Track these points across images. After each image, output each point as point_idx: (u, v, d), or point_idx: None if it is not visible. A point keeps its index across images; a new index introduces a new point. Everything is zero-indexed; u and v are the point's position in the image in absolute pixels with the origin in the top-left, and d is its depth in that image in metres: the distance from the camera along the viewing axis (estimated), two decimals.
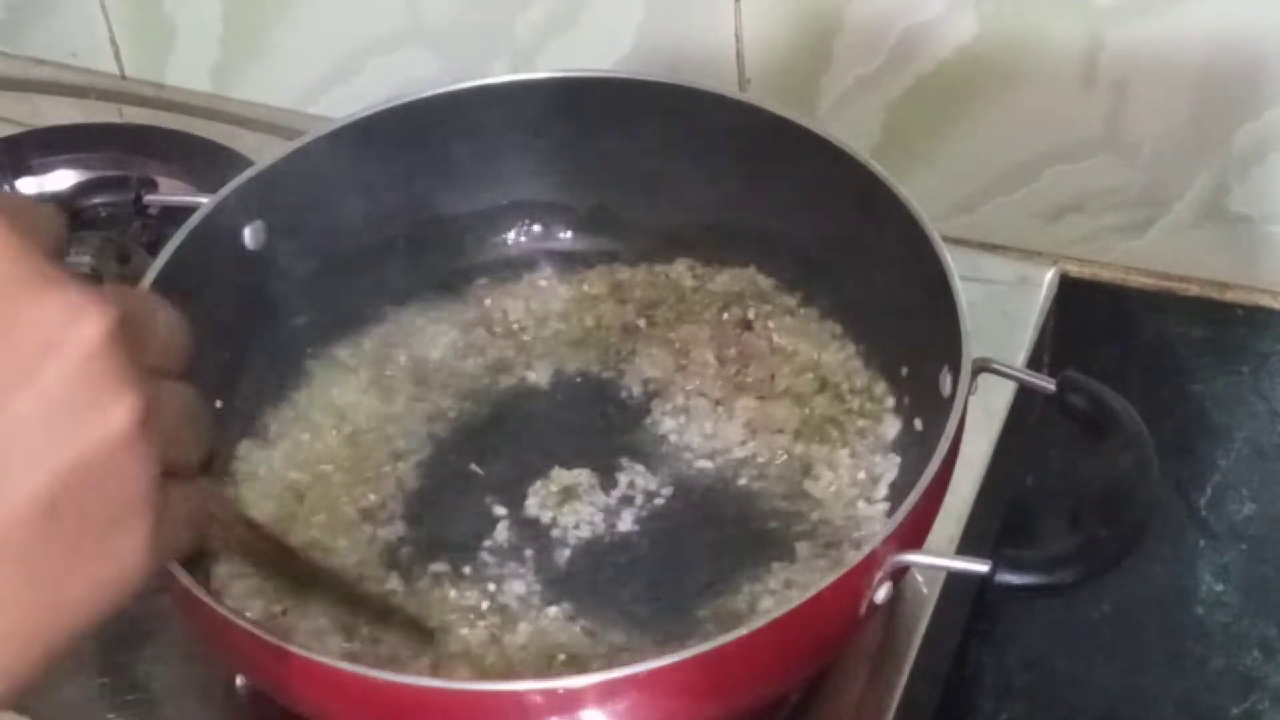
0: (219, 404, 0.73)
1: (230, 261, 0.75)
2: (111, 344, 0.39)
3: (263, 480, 0.73)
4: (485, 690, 0.59)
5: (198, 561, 0.67)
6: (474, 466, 0.73)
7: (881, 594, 0.60)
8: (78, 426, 0.39)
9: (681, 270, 0.81)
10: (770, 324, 0.78)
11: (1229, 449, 0.84)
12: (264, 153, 0.78)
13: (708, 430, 0.74)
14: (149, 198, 0.87)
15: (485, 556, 0.69)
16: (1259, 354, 0.87)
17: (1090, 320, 0.88)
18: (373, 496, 0.72)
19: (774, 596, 0.66)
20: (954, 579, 0.71)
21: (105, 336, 0.39)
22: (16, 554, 0.38)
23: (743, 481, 0.72)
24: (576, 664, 0.64)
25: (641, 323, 0.79)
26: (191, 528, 0.44)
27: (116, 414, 0.39)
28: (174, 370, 0.43)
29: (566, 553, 0.69)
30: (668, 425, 0.74)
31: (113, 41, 1.06)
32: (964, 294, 0.66)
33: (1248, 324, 0.87)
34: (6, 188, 0.93)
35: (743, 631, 0.56)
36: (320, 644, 0.65)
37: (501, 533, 0.70)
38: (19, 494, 0.38)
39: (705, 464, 0.72)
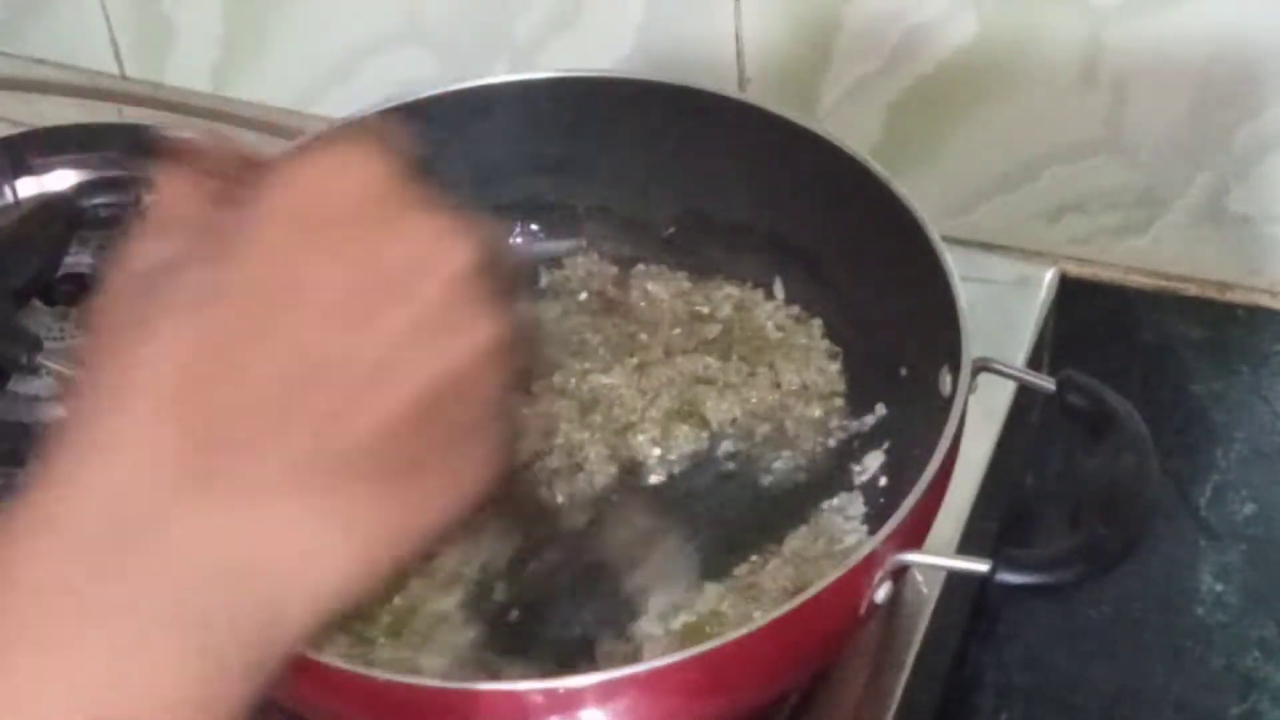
0: None
1: None
2: (478, 269, 0.42)
3: None
4: (485, 690, 0.58)
5: None
6: None
7: (881, 594, 0.60)
8: (448, 342, 0.41)
9: (680, 269, 0.81)
10: (768, 324, 0.78)
11: (1229, 449, 0.84)
12: (264, 153, 0.77)
13: (696, 431, 0.74)
14: (149, 198, 0.87)
15: None
16: (1259, 354, 0.87)
17: (1090, 320, 0.88)
18: None
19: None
20: (954, 579, 0.71)
21: (474, 261, 0.42)
22: (388, 465, 0.40)
23: (731, 481, 0.72)
24: None
25: (639, 329, 0.79)
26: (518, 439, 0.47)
27: (479, 334, 0.42)
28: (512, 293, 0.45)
29: None
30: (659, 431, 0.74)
31: (113, 41, 1.06)
32: (964, 294, 0.66)
33: (1248, 324, 0.87)
34: (6, 188, 0.92)
35: (744, 631, 0.56)
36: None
37: None
38: (393, 402, 0.40)
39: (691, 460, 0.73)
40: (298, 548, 0.40)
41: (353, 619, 0.66)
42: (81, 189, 0.90)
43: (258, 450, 0.39)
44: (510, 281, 0.45)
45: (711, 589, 0.67)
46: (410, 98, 0.78)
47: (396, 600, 0.67)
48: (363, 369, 0.40)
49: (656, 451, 0.73)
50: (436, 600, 0.67)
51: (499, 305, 0.43)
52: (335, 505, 0.40)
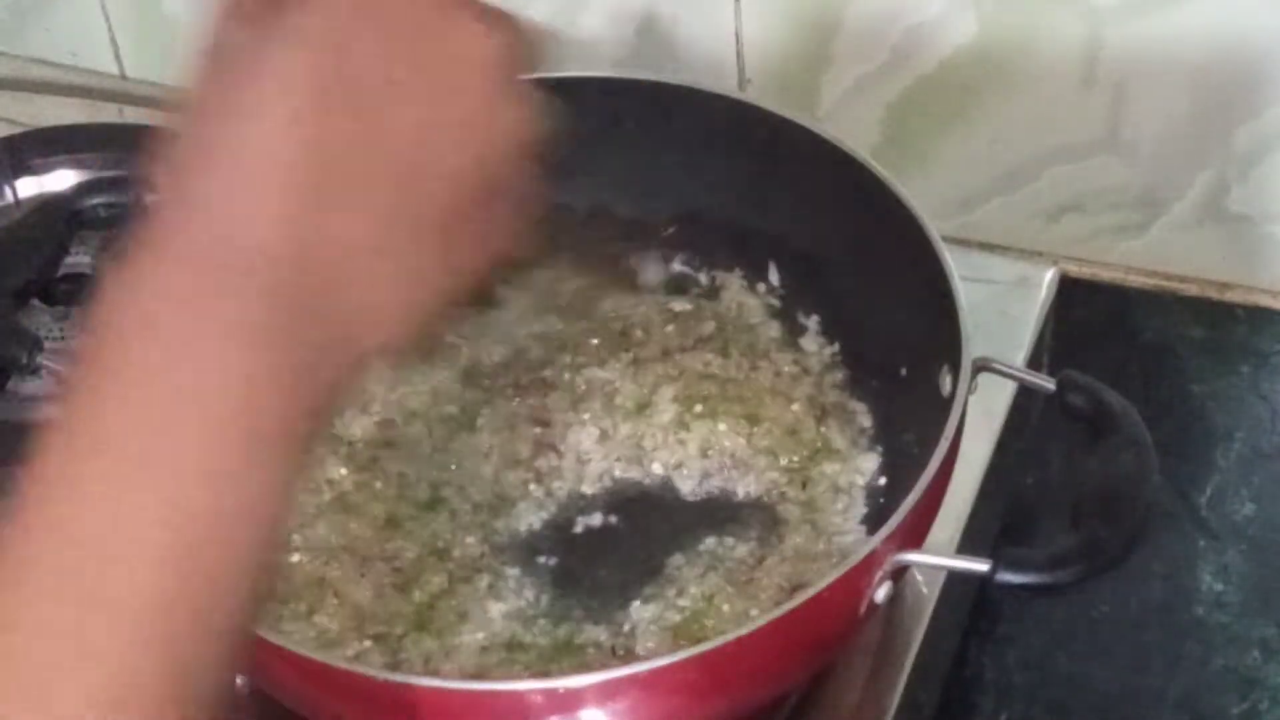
0: None
1: None
2: (517, 56, 0.46)
3: None
4: (485, 690, 0.59)
5: None
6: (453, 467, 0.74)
7: (881, 593, 0.60)
8: (497, 127, 0.45)
9: (679, 271, 0.81)
10: (767, 323, 0.78)
11: (1229, 449, 0.84)
12: None
13: (693, 425, 0.74)
14: (150, 198, 0.87)
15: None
16: (1259, 354, 0.87)
17: (1090, 320, 0.88)
18: (379, 485, 0.72)
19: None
20: (954, 578, 0.71)
21: (513, 49, 0.45)
22: (441, 224, 0.45)
23: (726, 483, 0.72)
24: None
25: (638, 329, 0.79)
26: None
27: (524, 118, 0.46)
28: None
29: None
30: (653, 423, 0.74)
31: (113, 41, 1.06)
32: (964, 294, 0.66)
33: (1248, 324, 0.87)
34: (6, 188, 0.92)
35: (744, 631, 0.56)
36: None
37: None
38: (454, 172, 0.45)
39: (684, 458, 0.73)
40: (372, 293, 0.43)
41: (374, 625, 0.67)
42: (81, 189, 0.90)
43: (358, 194, 0.43)
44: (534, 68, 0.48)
45: (711, 578, 0.67)
46: None
47: (416, 595, 0.67)
48: (430, 141, 0.44)
49: (660, 446, 0.73)
50: (460, 595, 0.68)
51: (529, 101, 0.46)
52: (405, 259, 0.44)
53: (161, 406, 0.40)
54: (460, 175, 0.45)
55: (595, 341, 0.78)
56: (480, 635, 0.66)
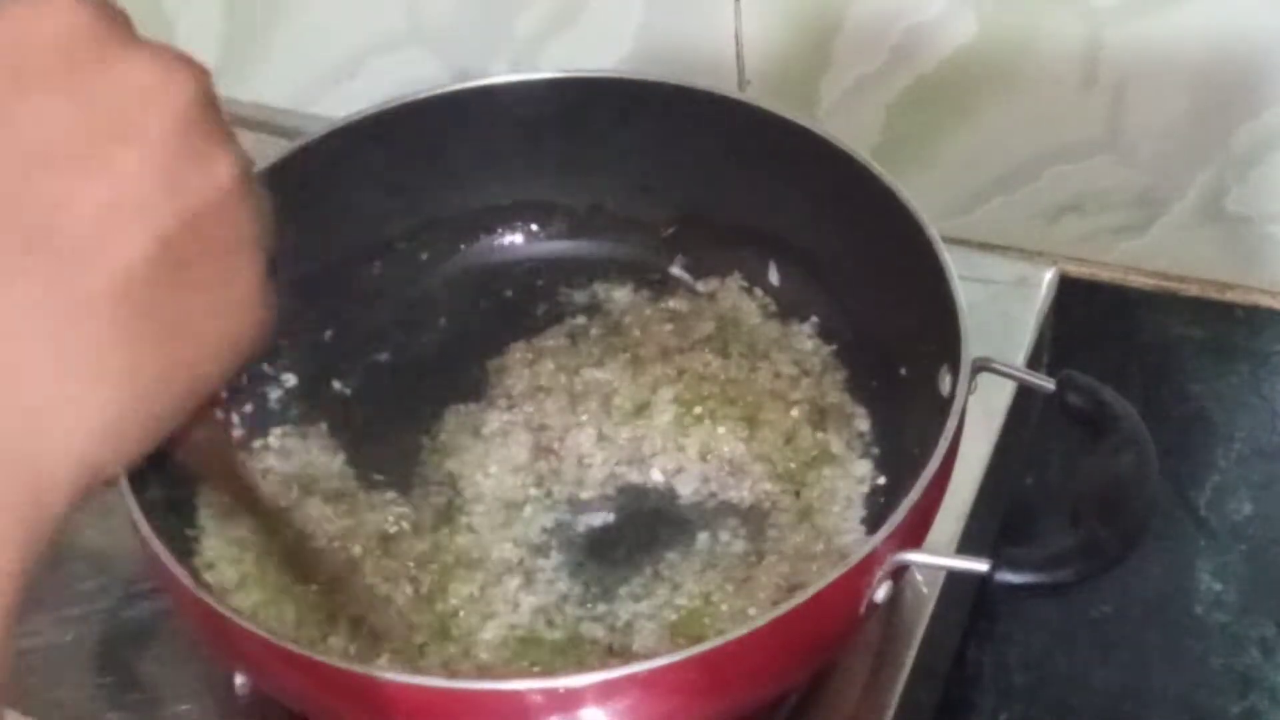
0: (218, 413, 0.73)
1: None
2: (208, 100, 0.40)
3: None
4: (485, 689, 0.59)
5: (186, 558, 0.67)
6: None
7: (881, 593, 0.60)
8: (187, 179, 0.39)
9: (679, 271, 0.81)
10: (766, 324, 0.78)
11: (1229, 449, 0.84)
12: (264, 153, 0.78)
13: (691, 429, 0.74)
14: None
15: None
16: (1259, 354, 0.87)
17: (1090, 320, 0.88)
18: (379, 476, 0.73)
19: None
20: (954, 578, 0.71)
21: (202, 93, 0.40)
22: (138, 310, 0.39)
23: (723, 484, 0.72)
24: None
25: (637, 328, 0.79)
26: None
27: (222, 166, 0.40)
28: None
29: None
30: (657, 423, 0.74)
31: None
32: (963, 294, 0.66)
33: (1248, 324, 0.87)
34: None
35: (743, 631, 0.56)
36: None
37: None
38: (136, 248, 0.38)
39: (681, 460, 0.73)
40: (44, 396, 0.38)
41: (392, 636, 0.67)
42: None
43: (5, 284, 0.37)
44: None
45: (710, 576, 0.68)
46: (410, 98, 0.78)
47: (439, 606, 0.68)
48: (93, 211, 0.38)
49: (659, 452, 0.73)
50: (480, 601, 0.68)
51: (231, 140, 0.41)
52: (92, 361, 0.38)
53: None
54: (147, 247, 0.38)
55: (593, 340, 0.78)
56: (488, 635, 0.67)
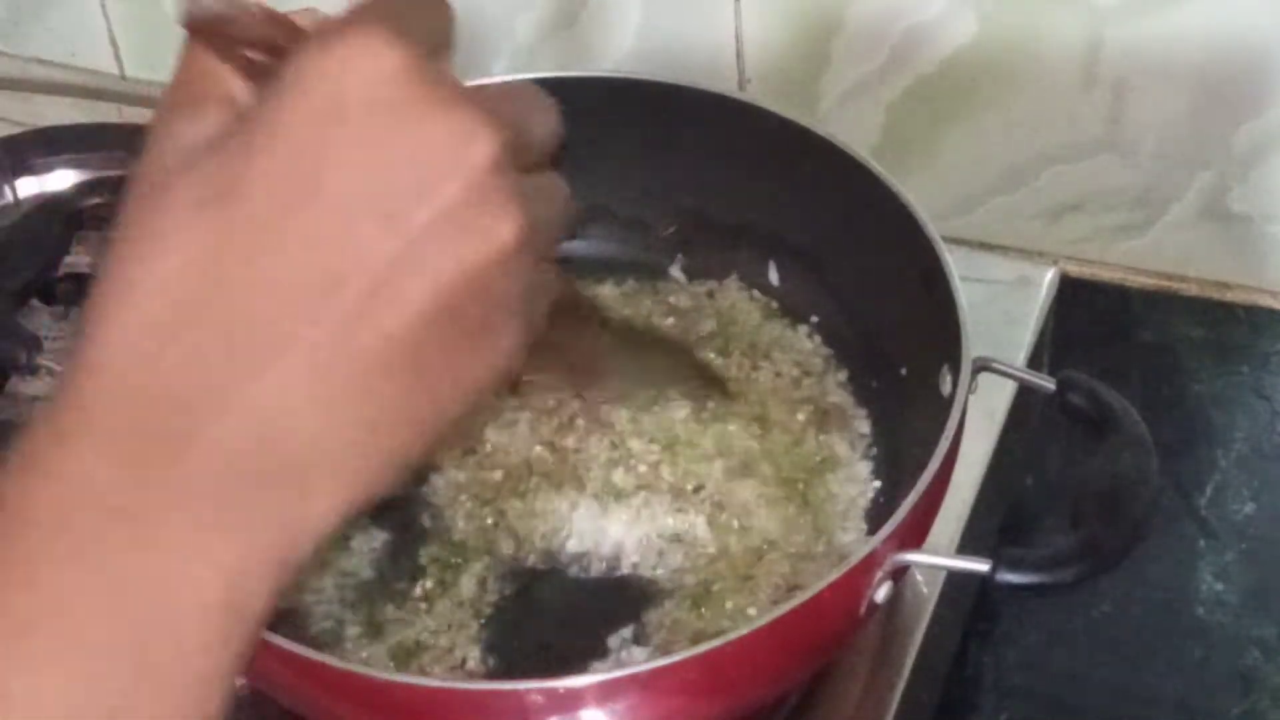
0: None
1: None
2: (501, 163, 0.40)
3: None
4: (485, 690, 0.59)
5: None
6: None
7: (881, 593, 0.60)
8: (468, 242, 0.40)
9: (678, 272, 0.81)
10: (767, 324, 0.78)
11: (1229, 449, 0.84)
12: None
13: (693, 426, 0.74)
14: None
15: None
16: (1259, 354, 0.87)
17: (1090, 320, 0.88)
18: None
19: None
20: (954, 578, 0.71)
21: (496, 157, 0.40)
22: (407, 365, 0.40)
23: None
24: None
25: (638, 324, 0.79)
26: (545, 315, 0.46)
27: (503, 231, 0.40)
28: (547, 160, 0.45)
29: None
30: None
31: (112, 41, 1.06)
32: (964, 293, 0.66)
33: (1248, 324, 0.87)
34: (6, 188, 0.92)
35: (743, 631, 0.56)
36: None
37: None
38: (414, 303, 0.39)
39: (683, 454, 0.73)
40: (324, 448, 0.39)
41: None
42: (81, 189, 0.90)
43: (277, 352, 0.38)
44: (545, 149, 0.44)
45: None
46: None
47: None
48: (380, 267, 0.39)
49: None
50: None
51: (527, 199, 0.41)
52: (361, 408, 0.40)
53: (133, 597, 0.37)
54: (426, 304, 0.39)
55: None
56: None
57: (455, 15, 0.44)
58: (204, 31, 0.41)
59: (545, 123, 0.45)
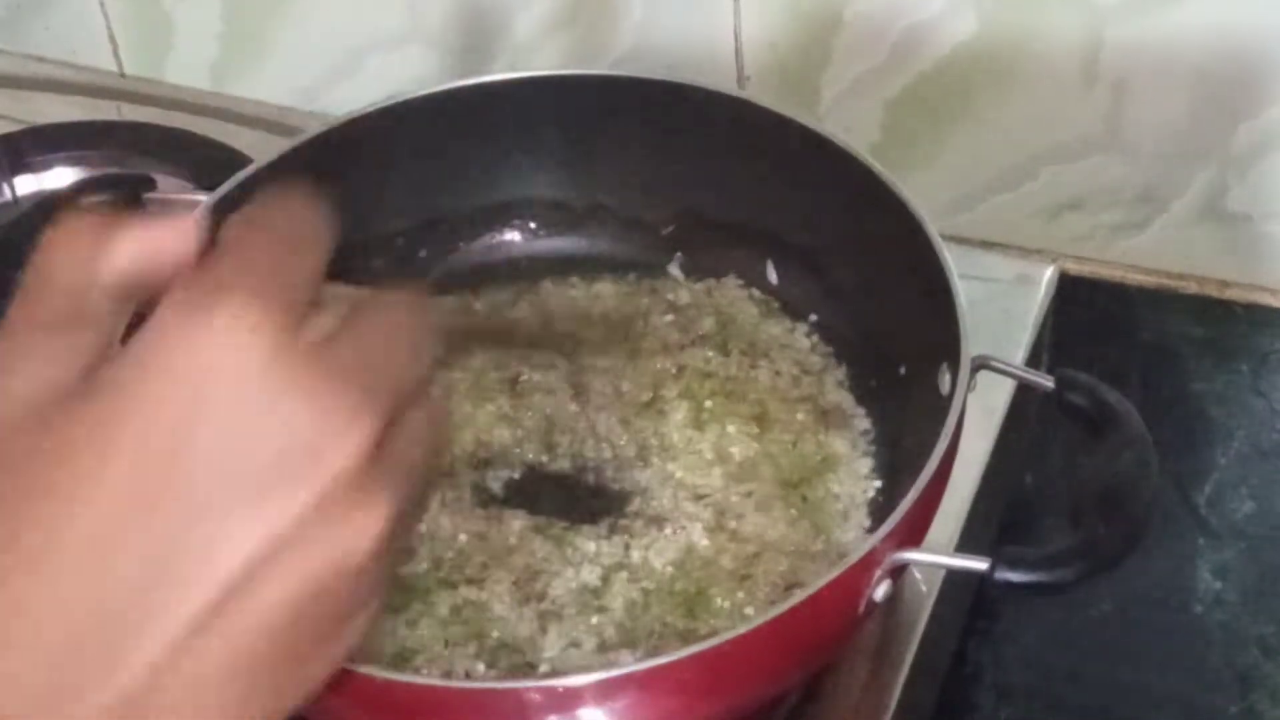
0: None
1: None
2: (372, 454, 0.38)
3: None
4: (485, 689, 0.59)
5: None
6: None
7: (880, 592, 0.60)
8: (344, 527, 0.38)
9: (677, 270, 0.81)
10: (766, 322, 0.78)
11: (1229, 448, 0.84)
12: (263, 151, 0.78)
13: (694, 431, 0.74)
14: (148, 196, 0.87)
15: None
16: (1259, 353, 0.87)
17: (1089, 319, 0.88)
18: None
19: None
20: (953, 577, 0.71)
21: (366, 447, 0.38)
22: (256, 664, 0.39)
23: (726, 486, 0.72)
24: None
25: (639, 323, 0.79)
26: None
27: (369, 526, 0.39)
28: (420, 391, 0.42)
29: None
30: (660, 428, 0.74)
31: (112, 39, 1.06)
32: (963, 292, 0.66)
33: (1248, 323, 0.87)
34: (6, 187, 0.92)
35: (742, 630, 0.56)
36: None
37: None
38: (268, 601, 0.38)
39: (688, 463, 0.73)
40: None
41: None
42: (81, 187, 0.90)
43: (109, 665, 0.37)
44: (418, 384, 0.42)
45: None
46: (410, 97, 0.78)
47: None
48: (235, 569, 0.37)
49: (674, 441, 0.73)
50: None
51: (396, 488, 0.40)
52: (211, 687, 0.38)
53: None
54: (281, 605, 0.38)
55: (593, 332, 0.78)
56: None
57: (326, 253, 0.43)
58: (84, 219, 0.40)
59: (420, 359, 0.42)
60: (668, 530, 0.69)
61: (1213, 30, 0.80)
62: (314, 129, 0.77)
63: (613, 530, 0.69)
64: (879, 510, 0.70)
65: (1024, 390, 0.73)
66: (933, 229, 0.68)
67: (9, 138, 0.95)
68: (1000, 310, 0.82)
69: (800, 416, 0.74)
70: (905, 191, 0.70)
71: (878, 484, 0.71)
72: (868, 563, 0.59)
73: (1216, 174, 0.84)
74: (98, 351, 0.40)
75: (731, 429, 0.73)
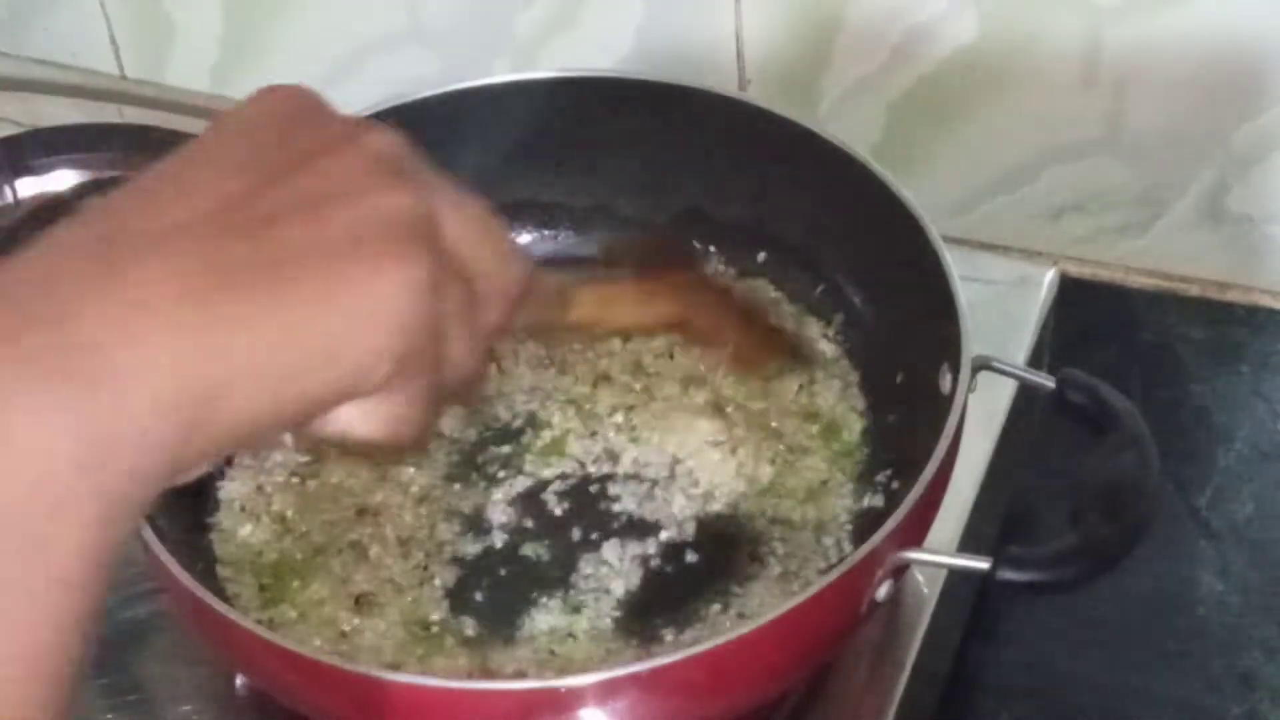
0: None
1: None
2: (396, 149, 0.46)
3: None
4: (486, 689, 0.59)
5: (198, 561, 0.67)
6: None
7: (882, 592, 0.60)
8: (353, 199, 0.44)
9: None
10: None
11: (1229, 449, 0.84)
12: None
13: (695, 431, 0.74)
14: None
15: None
16: (1259, 354, 0.87)
17: (1090, 320, 0.88)
18: (379, 497, 0.72)
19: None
20: (955, 577, 0.71)
21: (391, 143, 0.47)
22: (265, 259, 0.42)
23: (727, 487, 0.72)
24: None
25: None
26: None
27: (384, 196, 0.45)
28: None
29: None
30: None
31: (113, 41, 1.06)
32: (964, 293, 0.66)
33: (1248, 324, 0.87)
34: (6, 188, 0.93)
35: (743, 630, 0.56)
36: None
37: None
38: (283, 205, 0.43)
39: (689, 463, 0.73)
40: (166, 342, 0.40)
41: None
42: (81, 189, 0.90)
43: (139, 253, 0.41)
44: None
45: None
46: (410, 98, 0.78)
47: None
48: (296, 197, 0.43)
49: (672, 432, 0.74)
50: None
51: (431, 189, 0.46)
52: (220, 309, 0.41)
53: None
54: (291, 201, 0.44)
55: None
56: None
57: None
58: None
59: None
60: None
61: (1213, 31, 0.80)
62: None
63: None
64: (881, 510, 0.70)
65: (1025, 391, 0.73)
66: (934, 231, 0.68)
67: (10, 140, 0.95)
68: (1001, 312, 0.82)
69: (800, 416, 0.74)
70: (906, 193, 0.70)
71: (879, 483, 0.71)
72: (870, 562, 0.59)
73: (1217, 175, 0.84)
74: None
75: (734, 416, 0.73)
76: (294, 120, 0.48)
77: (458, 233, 0.47)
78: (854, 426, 0.74)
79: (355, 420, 0.45)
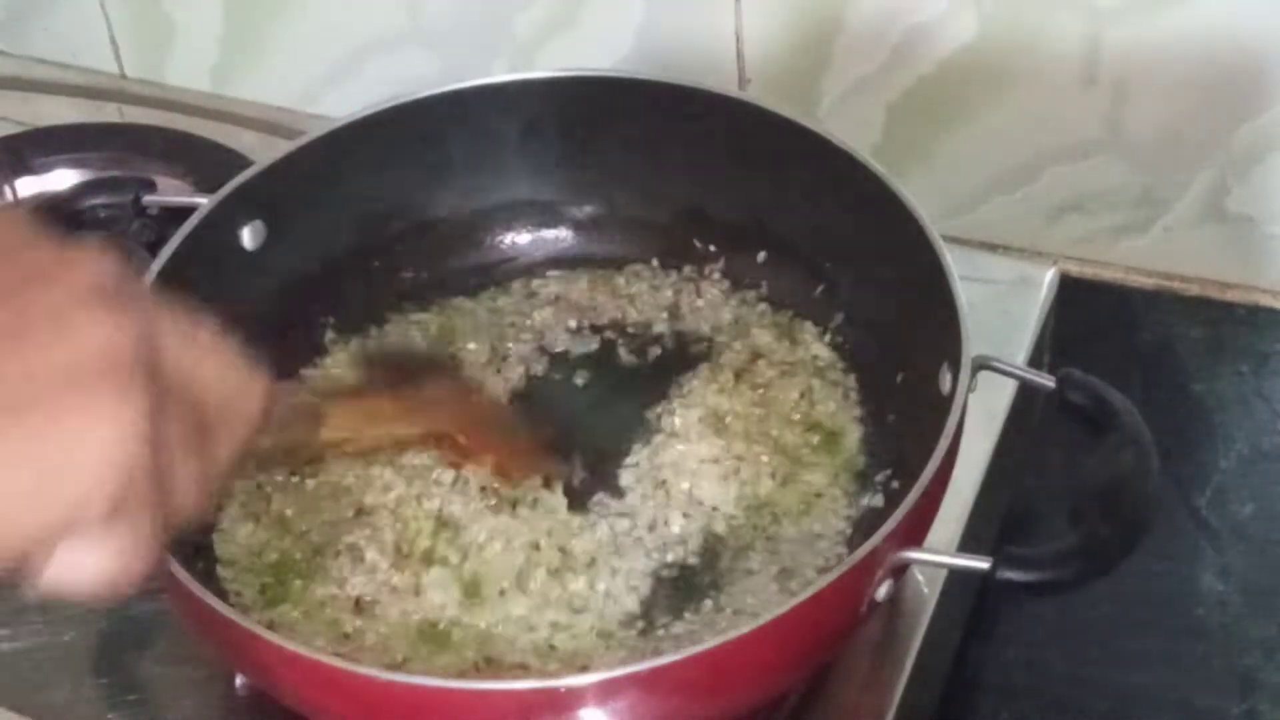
0: None
1: (229, 261, 0.75)
2: (110, 278, 0.43)
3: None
4: (486, 689, 0.59)
5: (198, 561, 0.67)
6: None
7: (882, 592, 0.60)
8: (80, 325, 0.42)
9: (677, 272, 0.81)
10: (765, 323, 0.78)
11: (1229, 449, 0.84)
12: (263, 152, 0.78)
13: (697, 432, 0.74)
14: (148, 198, 0.87)
15: None
16: (1259, 354, 0.87)
17: (1090, 320, 0.88)
18: (369, 499, 0.72)
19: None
20: (955, 577, 0.71)
21: (103, 271, 0.43)
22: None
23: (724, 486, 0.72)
24: None
25: (635, 327, 0.79)
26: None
27: (94, 330, 0.42)
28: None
29: None
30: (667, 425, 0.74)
31: (113, 41, 1.06)
32: (964, 293, 0.66)
33: (1248, 324, 0.87)
34: (6, 188, 0.93)
35: (743, 630, 0.56)
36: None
37: None
38: None
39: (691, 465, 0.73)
40: None
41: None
42: (81, 189, 0.90)
43: None
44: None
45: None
46: (410, 98, 0.78)
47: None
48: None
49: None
50: None
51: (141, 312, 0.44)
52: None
53: None
54: None
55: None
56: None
57: None
58: None
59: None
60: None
61: (1213, 31, 0.80)
62: (315, 131, 0.77)
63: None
64: (881, 510, 0.70)
65: (1025, 391, 0.73)
66: (934, 230, 0.68)
67: (10, 140, 0.95)
68: (1001, 312, 0.82)
69: (800, 416, 0.74)
70: (906, 193, 0.70)
71: (879, 483, 0.71)
72: (870, 562, 0.59)
73: (1217, 175, 0.84)
74: None
75: (732, 428, 0.73)
76: (3, 250, 0.44)
77: (183, 359, 0.45)
78: (853, 434, 0.74)
79: (80, 557, 0.43)
